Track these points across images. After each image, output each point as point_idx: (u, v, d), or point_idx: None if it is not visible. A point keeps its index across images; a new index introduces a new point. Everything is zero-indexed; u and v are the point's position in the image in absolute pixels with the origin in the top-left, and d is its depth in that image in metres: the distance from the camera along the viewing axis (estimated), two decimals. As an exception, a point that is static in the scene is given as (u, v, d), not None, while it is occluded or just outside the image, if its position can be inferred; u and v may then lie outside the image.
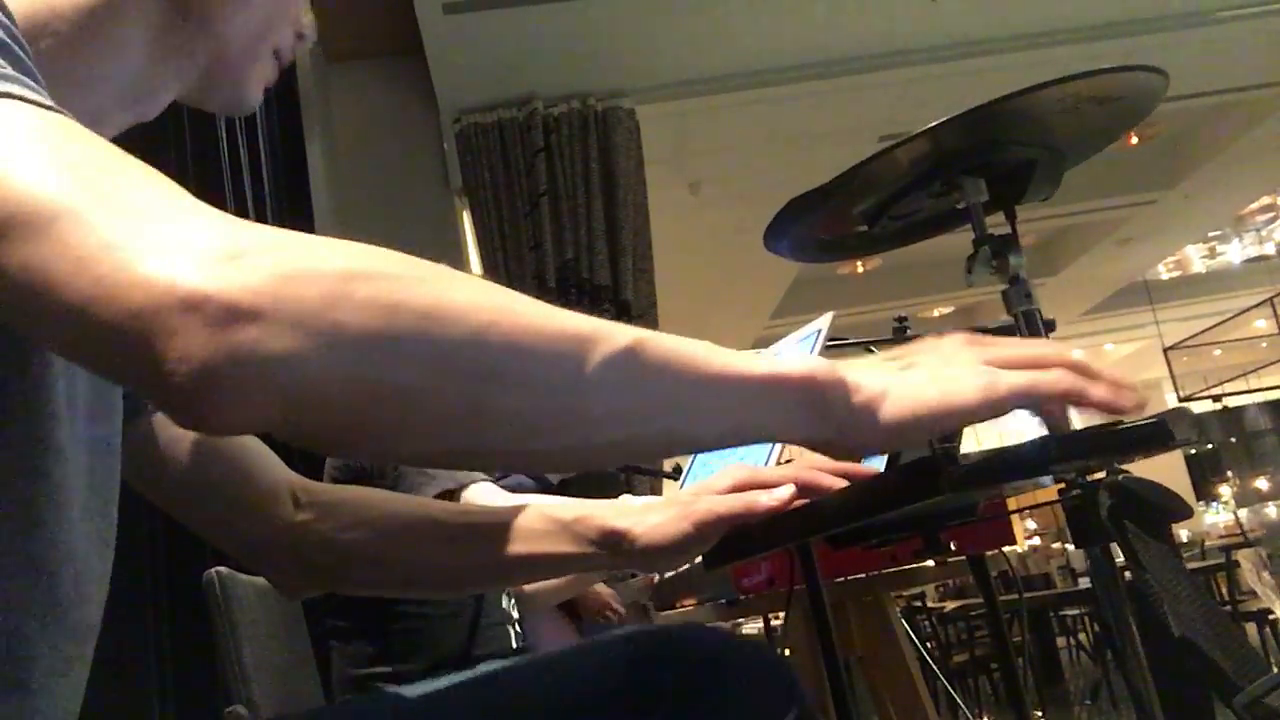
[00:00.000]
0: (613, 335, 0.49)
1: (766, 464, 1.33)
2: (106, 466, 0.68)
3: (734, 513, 0.78)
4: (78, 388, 0.62)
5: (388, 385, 0.43)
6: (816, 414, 0.54)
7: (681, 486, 1.66)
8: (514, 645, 1.89)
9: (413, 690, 0.64)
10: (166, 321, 0.41)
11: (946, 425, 0.56)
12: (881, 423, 0.55)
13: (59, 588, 0.59)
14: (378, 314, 0.43)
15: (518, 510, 0.84)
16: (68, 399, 0.61)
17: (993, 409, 0.56)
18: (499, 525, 0.83)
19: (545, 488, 2.46)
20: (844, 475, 0.83)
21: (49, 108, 0.49)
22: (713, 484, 0.82)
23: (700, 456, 1.55)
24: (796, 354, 1.30)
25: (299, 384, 0.42)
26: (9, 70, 0.49)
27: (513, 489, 2.38)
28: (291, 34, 0.74)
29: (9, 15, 0.53)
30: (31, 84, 0.49)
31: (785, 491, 0.78)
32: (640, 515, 0.80)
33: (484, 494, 1.75)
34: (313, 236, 0.45)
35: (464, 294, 0.46)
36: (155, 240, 0.43)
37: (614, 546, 0.80)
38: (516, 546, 0.82)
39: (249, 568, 0.86)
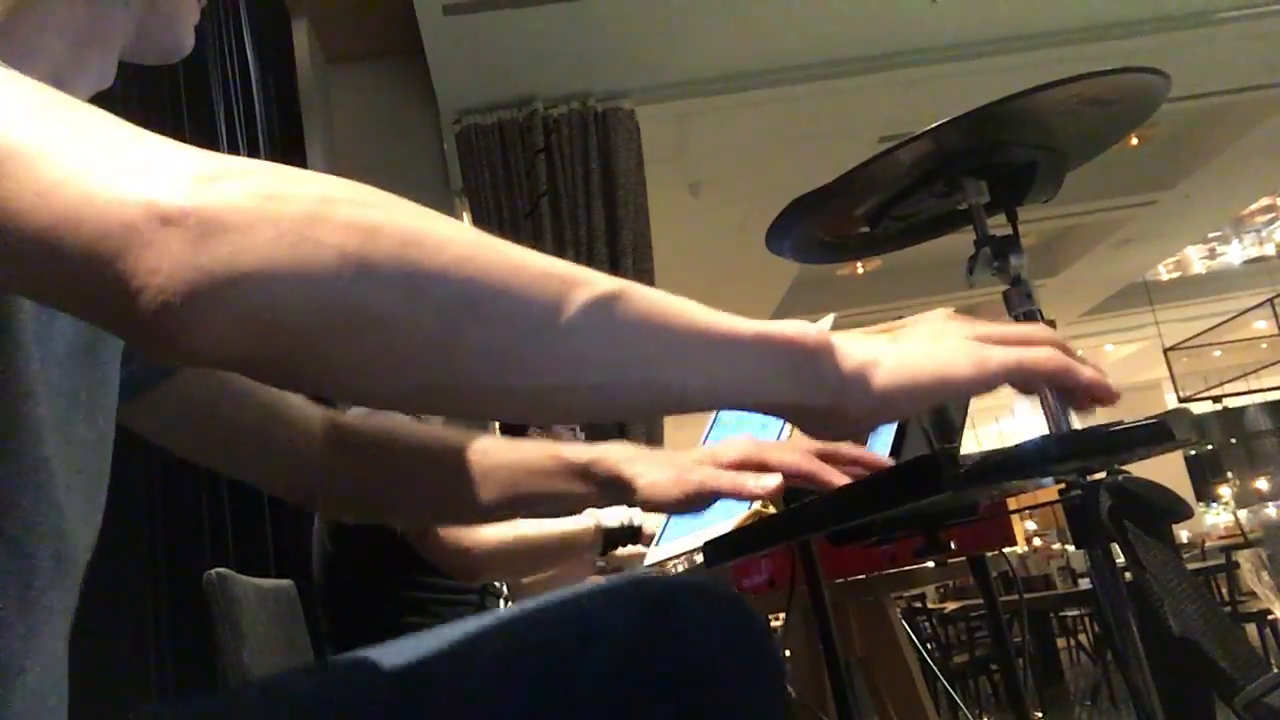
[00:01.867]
0: (595, 280, 0.48)
1: (779, 438, 1.33)
2: (97, 441, 0.67)
3: (722, 491, 0.80)
4: (52, 372, 0.62)
5: (363, 310, 0.42)
6: (806, 378, 0.53)
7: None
8: None
9: (374, 650, 0.63)
10: (141, 235, 0.40)
11: (938, 397, 0.56)
12: (874, 391, 0.54)
13: (36, 568, 0.58)
14: (357, 235, 0.42)
15: (534, 447, 0.88)
16: (45, 378, 0.60)
17: (984, 383, 0.56)
18: (516, 461, 0.87)
19: None
20: (846, 459, 0.85)
21: None
22: (719, 453, 0.85)
23: (717, 427, 1.55)
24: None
25: (275, 302, 0.41)
26: None
27: None
28: None
29: None
30: None
31: (771, 481, 0.78)
32: (645, 467, 0.83)
33: None
34: (291, 168, 0.45)
35: (444, 226, 0.45)
36: (127, 165, 0.42)
37: (617, 490, 0.84)
38: (529, 482, 0.87)
39: (283, 498, 0.91)
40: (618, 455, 0.85)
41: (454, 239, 0.45)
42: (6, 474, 0.57)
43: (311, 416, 0.87)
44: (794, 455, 0.83)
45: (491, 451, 0.88)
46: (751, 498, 0.81)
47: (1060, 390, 0.60)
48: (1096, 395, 0.60)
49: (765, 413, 0.55)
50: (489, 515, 0.90)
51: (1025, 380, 0.58)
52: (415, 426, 0.92)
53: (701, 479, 0.80)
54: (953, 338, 0.58)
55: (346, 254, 0.42)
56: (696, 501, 0.80)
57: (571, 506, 0.90)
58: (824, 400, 0.54)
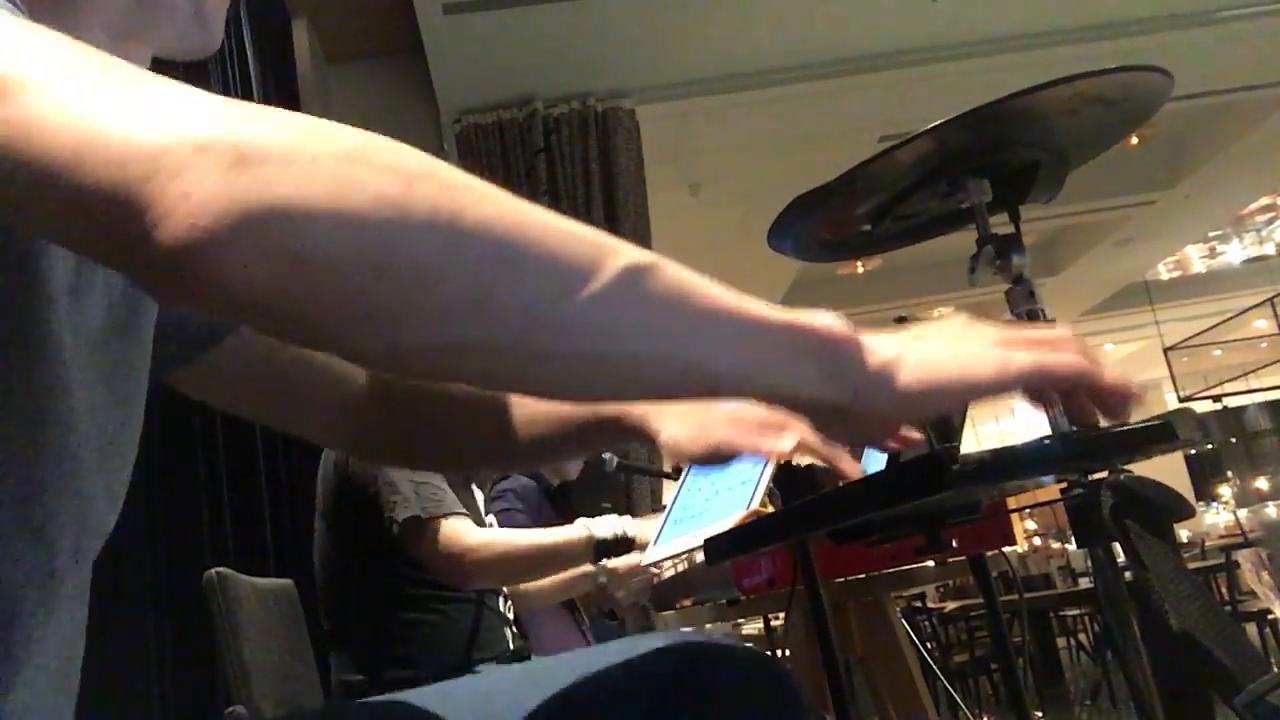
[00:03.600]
0: (629, 249, 0.47)
1: (750, 501, 1.33)
2: (127, 427, 0.68)
3: (738, 447, 0.78)
4: (83, 357, 0.62)
5: (399, 254, 0.41)
6: (830, 371, 0.52)
7: (679, 489, 1.66)
8: (510, 646, 1.90)
9: (406, 695, 0.63)
10: (172, 160, 0.38)
11: (960, 397, 0.56)
12: (898, 388, 0.54)
13: (58, 557, 0.59)
14: (397, 179, 0.41)
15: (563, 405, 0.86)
16: (76, 364, 0.60)
17: (1006, 384, 0.56)
18: (541, 410, 0.86)
19: (545, 489, 2.47)
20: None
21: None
22: (743, 411, 0.79)
23: (694, 474, 1.57)
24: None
25: (308, 238, 0.38)
26: None
27: (516, 490, 2.39)
28: None
29: None
30: (12, 6, 0.48)
31: (787, 443, 0.76)
32: (669, 421, 0.81)
33: (461, 528, 1.76)
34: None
35: (484, 184, 0.44)
36: (160, 100, 0.40)
37: (638, 432, 0.83)
38: (554, 428, 0.85)
39: (326, 444, 0.94)
40: (644, 408, 0.83)
41: (494, 195, 0.44)
42: (35, 465, 0.57)
43: (358, 374, 0.87)
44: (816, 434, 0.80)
45: (524, 404, 0.87)
46: (768, 455, 0.79)
47: (1086, 392, 0.58)
48: (1120, 397, 0.59)
49: (784, 405, 0.54)
50: (517, 461, 0.90)
51: (1045, 383, 0.58)
52: (450, 385, 0.89)
53: (722, 436, 0.79)
54: (975, 339, 0.57)
55: (386, 196, 0.40)
56: (714, 457, 0.79)
57: (592, 446, 0.90)
58: (845, 396, 0.53)
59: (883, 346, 0.54)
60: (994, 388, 0.55)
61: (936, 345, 0.56)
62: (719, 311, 0.50)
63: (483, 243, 0.43)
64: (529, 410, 0.87)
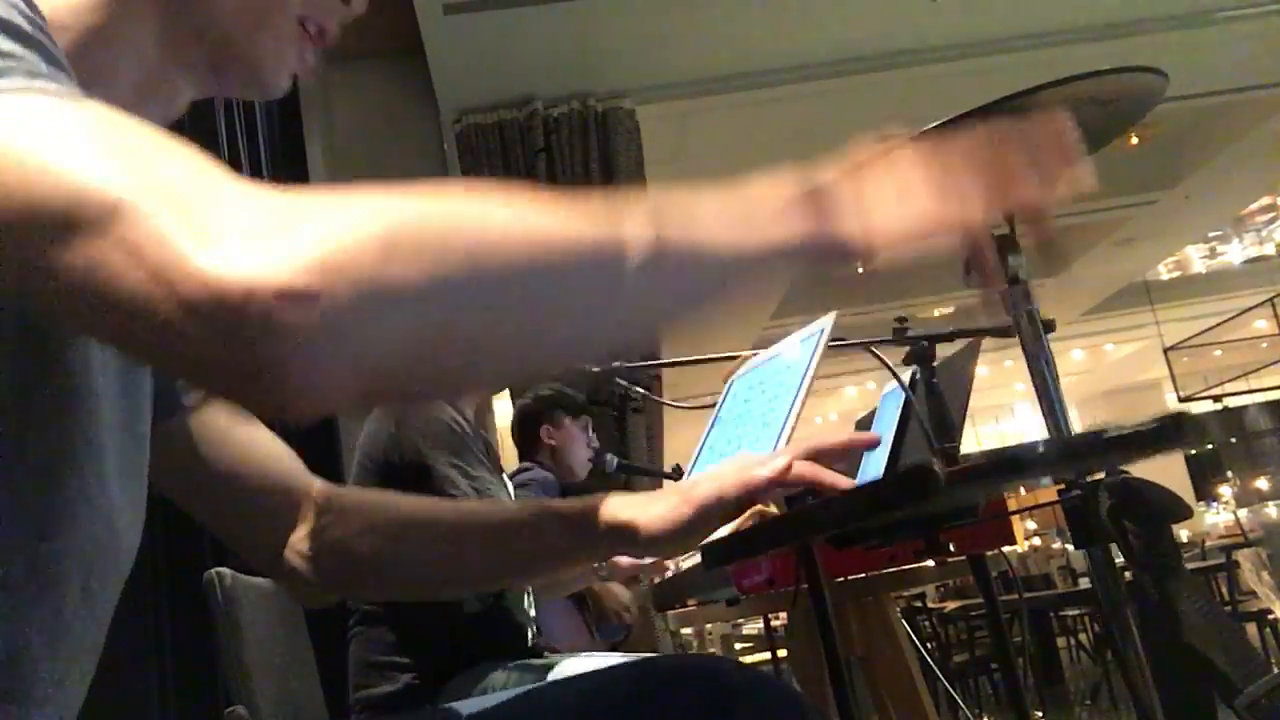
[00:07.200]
0: (636, 235, 0.51)
1: (775, 447, 1.31)
2: (137, 469, 0.68)
3: (733, 491, 0.78)
4: (109, 398, 0.62)
5: (450, 329, 0.45)
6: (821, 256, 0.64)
7: (700, 448, 1.66)
8: (529, 645, 1.90)
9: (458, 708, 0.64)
10: (231, 311, 0.41)
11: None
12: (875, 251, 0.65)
13: (65, 599, 0.58)
14: (427, 263, 0.43)
15: (523, 507, 0.84)
16: (103, 398, 0.61)
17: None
18: (505, 523, 0.83)
19: (561, 487, 2.50)
20: (833, 453, 0.84)
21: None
22: (716, 472, 0.82)
23: (703, 455, 1.55)
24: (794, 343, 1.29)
25: (367, 349, 0.42)
26: (42, 66, 0.49)
27: (539, 481, 2.42)
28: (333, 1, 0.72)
29: (38, 11, 0.52)
30: (64, 78, 0.49)
31: (781, 462, 0.78)
32: (643, 506, 0.80)
33: None
34: (346, 195, 0.45)
35: (497, 220, 0.47)
36: (206, 226, 0.42)
37: (619, 537, 0.80)
38: (522, 544, 0.82)
39: (266, 574, 0.87)
40: (608, 503, 0.81)
41: (510, 233, 0.47)
42: (51, 503, 0.57)
43: (302, 484, 0.83)
44: (786, 460, 0.80)
45: (478, 513, 0.85)
46: (762, 487, 0.79)
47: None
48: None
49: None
50: (474, 582, 0.89)
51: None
52: (405, 498, 0.87)
53: (708, 488, 0.78)
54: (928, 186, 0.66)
55: (422, 284, 0.43)
56: (709, 513, 0.77)
57: (574, 562, 0.85)
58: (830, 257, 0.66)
59: (852, 227, 0.66)
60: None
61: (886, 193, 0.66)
62: (721, 263, 0.56)
63: (517, 294, 0.47)
64: (495, 529, 0.84)
